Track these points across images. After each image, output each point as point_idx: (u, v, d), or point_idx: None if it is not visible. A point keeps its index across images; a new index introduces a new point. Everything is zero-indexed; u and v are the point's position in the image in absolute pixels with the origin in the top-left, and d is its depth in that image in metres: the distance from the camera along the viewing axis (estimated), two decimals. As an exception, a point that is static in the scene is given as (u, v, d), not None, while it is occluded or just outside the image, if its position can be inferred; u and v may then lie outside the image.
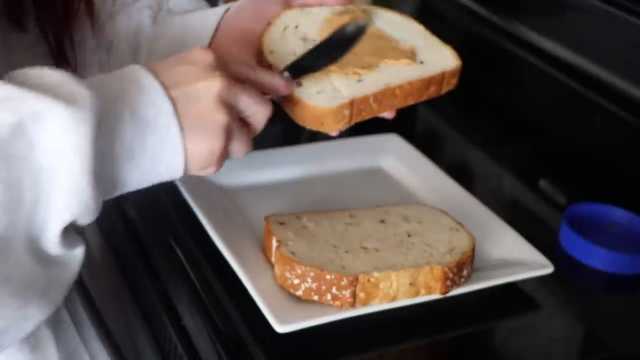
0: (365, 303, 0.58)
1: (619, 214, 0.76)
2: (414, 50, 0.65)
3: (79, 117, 0.45)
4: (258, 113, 0.54)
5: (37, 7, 0.61)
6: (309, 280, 0.58)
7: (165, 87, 0.50)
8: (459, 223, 0.67)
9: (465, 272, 0.62)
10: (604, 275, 0.70)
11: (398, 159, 0.82)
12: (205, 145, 0.51)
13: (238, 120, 0.53)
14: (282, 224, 0.65)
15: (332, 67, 0.61)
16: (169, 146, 0.50)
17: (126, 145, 0.48)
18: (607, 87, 0.85)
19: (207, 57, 0.53)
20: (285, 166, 0.79)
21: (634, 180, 0.82)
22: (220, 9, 0.69)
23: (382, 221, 0.67)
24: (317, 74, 0.60)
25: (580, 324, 0.67)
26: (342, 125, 0.60)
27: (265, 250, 0.64)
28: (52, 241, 0.46)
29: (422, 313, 0.61)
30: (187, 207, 0.70)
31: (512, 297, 0.65)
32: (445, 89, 0.65)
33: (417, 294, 0.60)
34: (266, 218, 0.65)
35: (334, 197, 0.75)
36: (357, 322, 0.59)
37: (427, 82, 0.63)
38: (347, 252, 0.62)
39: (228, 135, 0.52)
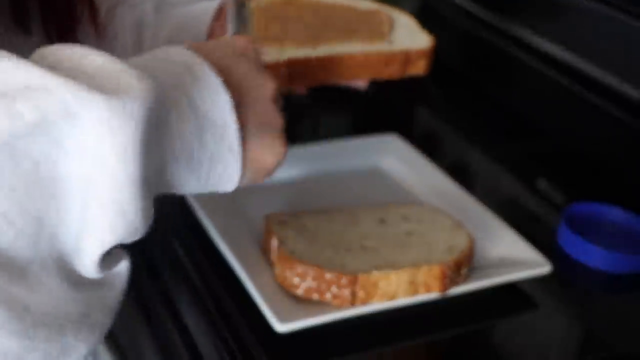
0: (364, 302, 0.59)
1: (617, 213, 0.76)
2: (386, 31, 0.66)
3: (123, 112, 0.35)
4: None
5: (42, 11, 0.62)
6: (309, 279, 0.58)
7: (224, 77, 0.43)
8: (457, 222, 0.68)
9: (463, 271, 0.62)
10: (602, 275, 0.70)
11: (398, 159, 0.82)
12: (271, 152, 0.46)
13: None
14: (282, 223, 0.65)
15: (292, 39, 0.61)
16: (227, 145, 0.42)
17: (186, 142, 0.41)
18: (604, 88, 0.85)
19: (253, 49, 0.47)
20: (285, 166, 0.78)
21: (632, 180, 0.82)
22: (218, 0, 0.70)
23: (382, 220, 0.68)
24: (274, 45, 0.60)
25: (579, 323, 0.68)
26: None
27: (265, 250, 0.65)
28: (88, 266, 0.38)
29: (421, 312, 0.61)
30: (187, 206, 0.70)
31: (511, 296, 0.65)
32: (411, 70, 0.65)
33: (416, 292, 0.60)
34: (266, 218, 0.65)
35: (334, 197, 0.75)
36: (357, 322, 0.59)
37: (386, 58, 0.63)
38: (346, 251, 0.62)
39: (286, 141, 0.47)
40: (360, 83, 0.65)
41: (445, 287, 0.61)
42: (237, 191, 0.75)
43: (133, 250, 0.72)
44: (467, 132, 0.98)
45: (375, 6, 0.73)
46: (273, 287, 0.60)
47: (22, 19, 0.61)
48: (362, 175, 0.81)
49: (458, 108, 1.04)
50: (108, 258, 0.40)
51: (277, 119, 0.46)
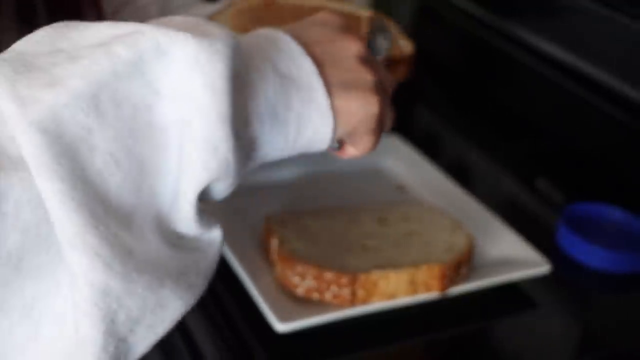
0: (364, 301, 0.59)
1: (616, 213, 0.76)
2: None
3: (212, 51, 0.37)
4: (388, 76, 0.50)
5: (48, 8, 0.62)
6: (309, 278, 0.58)
7: (304, 46, 0.45)
8: (457, 222, 0.68)
9: (463, 271, 0.62)
10: (601, 274, 0.70)
11: (398, 159, 0.82)
12: (359, 104, 0.45)
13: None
14: (282, 223, 0.65)
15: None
16: (314, 106, 0.43)
17: (270, 102, 0.42)
18: (603, 88, 0.85)
19: (336, 19, 0.49)
20: (285, 166, 0.79)
21: (631, 180, 0.82)
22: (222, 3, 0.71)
23: (382, 220, 0.68)
24: None
25: (578, 323, 0.68)
26: None
27: (265, 250, 0.65)
28: (185, 214, 0.39)
29: (421, 312, 0.62)
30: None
31: (510, 296, 0.66)
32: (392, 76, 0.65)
33: (415, 292, 0.60)
34: (266, 217, 0.66)
35: (334, 197, 0.75)
36: (357, 322, 0.60)
37: None
38: (347, 250, 0.62)
39: (380, 97, 0.46)
40: None
41: (445, 287, 0.61)
42: (237, 191, 0.75)
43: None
44: (467, 132, 0.98)
45: (359, 11, 0.72)
46: (273, 287, 0.60)
47: (28, 16, 0.61)
48: (362, 175, 0.81)
49: (458, 108, 1.04)
50: (202, 218, 0.41)
51: (363, 76, 0.46)
